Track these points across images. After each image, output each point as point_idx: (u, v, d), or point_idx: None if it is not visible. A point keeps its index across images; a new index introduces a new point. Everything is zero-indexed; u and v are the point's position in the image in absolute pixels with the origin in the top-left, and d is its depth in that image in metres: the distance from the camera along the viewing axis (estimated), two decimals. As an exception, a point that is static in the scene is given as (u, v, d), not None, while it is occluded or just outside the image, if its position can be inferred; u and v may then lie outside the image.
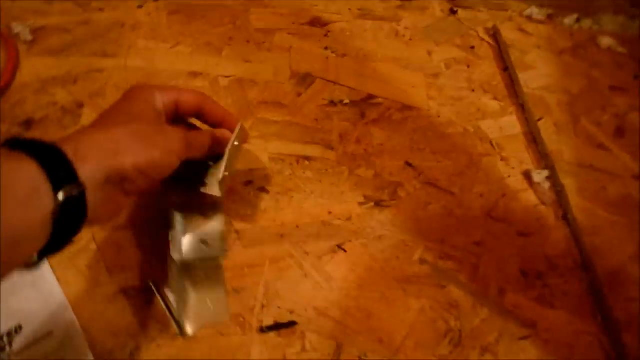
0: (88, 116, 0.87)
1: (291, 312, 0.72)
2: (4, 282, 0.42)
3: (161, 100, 0.58)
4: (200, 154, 0.63)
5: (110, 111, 0.55)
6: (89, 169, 0.46)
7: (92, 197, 0.46)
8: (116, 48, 0.94)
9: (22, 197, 0.40)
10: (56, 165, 0.43)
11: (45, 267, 0.68)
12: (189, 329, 0.61)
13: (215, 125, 0.68)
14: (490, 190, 0.85)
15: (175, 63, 0.93)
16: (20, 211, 0.40)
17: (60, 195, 0.43)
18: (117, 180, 0.49)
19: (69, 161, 0.44)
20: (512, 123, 0.95)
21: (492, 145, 0.91)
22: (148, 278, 0.72)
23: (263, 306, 0.72)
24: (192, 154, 0.59)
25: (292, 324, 0.71)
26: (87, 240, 0.75)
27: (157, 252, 0.73)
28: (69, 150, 0.45)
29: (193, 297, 0.63)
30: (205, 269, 0.64)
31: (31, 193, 0.41)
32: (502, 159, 0.90)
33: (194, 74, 0.93)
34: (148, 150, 0.51)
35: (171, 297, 0.66)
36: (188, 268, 0.63)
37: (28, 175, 0.41)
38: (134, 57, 0.93)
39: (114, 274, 0.73)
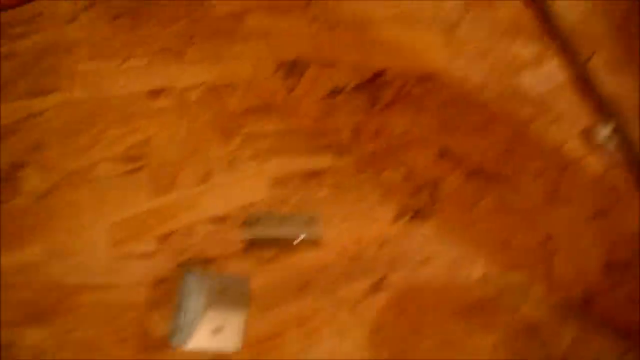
0: (31, 179, 0.75)
1: (337, 387, 0.61)
2: None
3: None
4: None
5: None
6: None
7: None
8: (53, 80, 0.83)
9: None
10: None
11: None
12: (189, 344, 0.61)
13: None
14: (547, 165, 0.77)
15: (129, 83, 0.83)
16: None
17: None
18: None
19: None
20: (554, 70, 0.85)
21: (537, 104, 0.82)
22: None
23: (300, 388, 0.61)
24: None
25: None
26: (54, 351, 0.66)
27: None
28: None
29: (209, 315, 0.62)
30: (230, 289, 0.65)
31: None
32: (554, 120, 0.81)
33: (155, 93, 0.82)
34: None
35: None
36: (209, 284, 0.64)
37: None
38: (77, 86, 0.83)
39: None
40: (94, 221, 0.72)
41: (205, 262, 0.67)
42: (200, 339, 0.62)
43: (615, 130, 0.78)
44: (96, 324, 0.64)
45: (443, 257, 0.70)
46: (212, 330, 0.62)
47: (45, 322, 0.65)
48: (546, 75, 0.85)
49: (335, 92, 0.82)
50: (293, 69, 0.84)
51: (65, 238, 0.71)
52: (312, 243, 0.69)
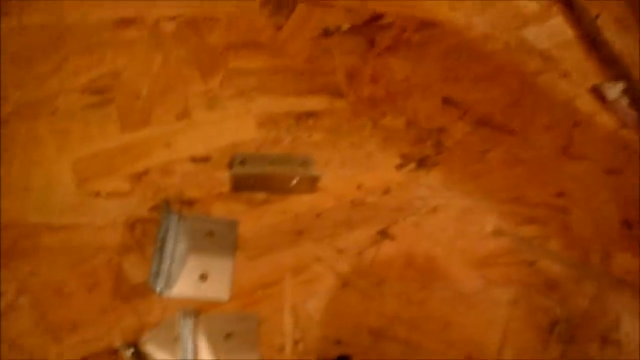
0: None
1: (338, 343, 0.59)
2: None
3: None
4: None
5: None
6: None
7: None
8: (6, 2, 0.77)
9: None
10: None
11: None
12: (173, 291, 0.58)
13: None
14: (557, 119, 0.75)
15: (94, 10, 0.78)
16: None
17: None
18: None
19: None
20: (561, 26, 0.84)
21: (544, 58, 0.81)
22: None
23: (296, 342, 0.59)
24: None
25: (343, 359, 0.58)
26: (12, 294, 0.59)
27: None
28: None
29: (194, 260, 0.59)
30: (217, 233, 0.62)
31: None
32: (562, 75, 0.79)
33: (124, 22, 0.77)
34: None
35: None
36: (192, 226, 0.61)
37: None
38: (32, 11, 0.77)
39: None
40: (56, 155, 0.67)
41: (187, 203, 0.64)
42: (185, 286, 0.59)
43: (627, 89, 0.78)
44: (62, 267, 0.59)
45: (452, 207, 0.68)
46: (197, 277, 0.59)
47: (3, 263, 0.61)
48: (552, 30, 0.84)
49: (327, 32, 0.80)
50: (281, 5, 0.81)
51: (23, 173, 0.66)
52: (308, 186, 0.66)
